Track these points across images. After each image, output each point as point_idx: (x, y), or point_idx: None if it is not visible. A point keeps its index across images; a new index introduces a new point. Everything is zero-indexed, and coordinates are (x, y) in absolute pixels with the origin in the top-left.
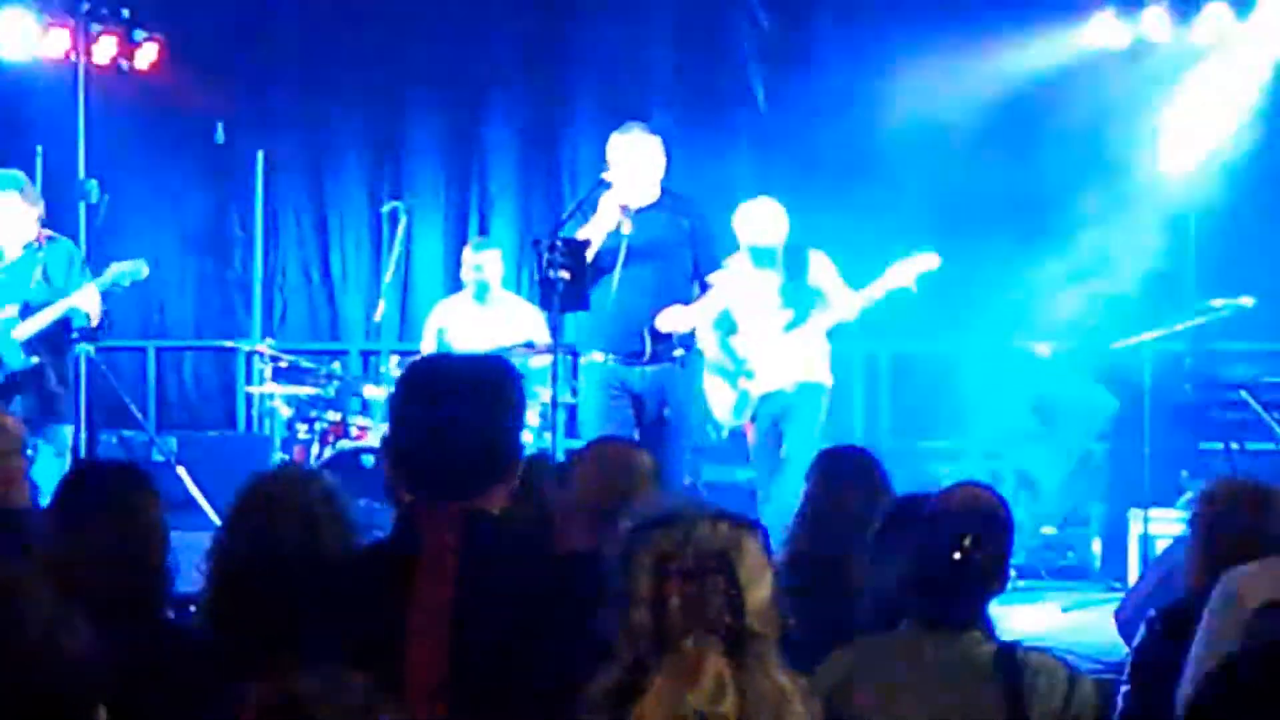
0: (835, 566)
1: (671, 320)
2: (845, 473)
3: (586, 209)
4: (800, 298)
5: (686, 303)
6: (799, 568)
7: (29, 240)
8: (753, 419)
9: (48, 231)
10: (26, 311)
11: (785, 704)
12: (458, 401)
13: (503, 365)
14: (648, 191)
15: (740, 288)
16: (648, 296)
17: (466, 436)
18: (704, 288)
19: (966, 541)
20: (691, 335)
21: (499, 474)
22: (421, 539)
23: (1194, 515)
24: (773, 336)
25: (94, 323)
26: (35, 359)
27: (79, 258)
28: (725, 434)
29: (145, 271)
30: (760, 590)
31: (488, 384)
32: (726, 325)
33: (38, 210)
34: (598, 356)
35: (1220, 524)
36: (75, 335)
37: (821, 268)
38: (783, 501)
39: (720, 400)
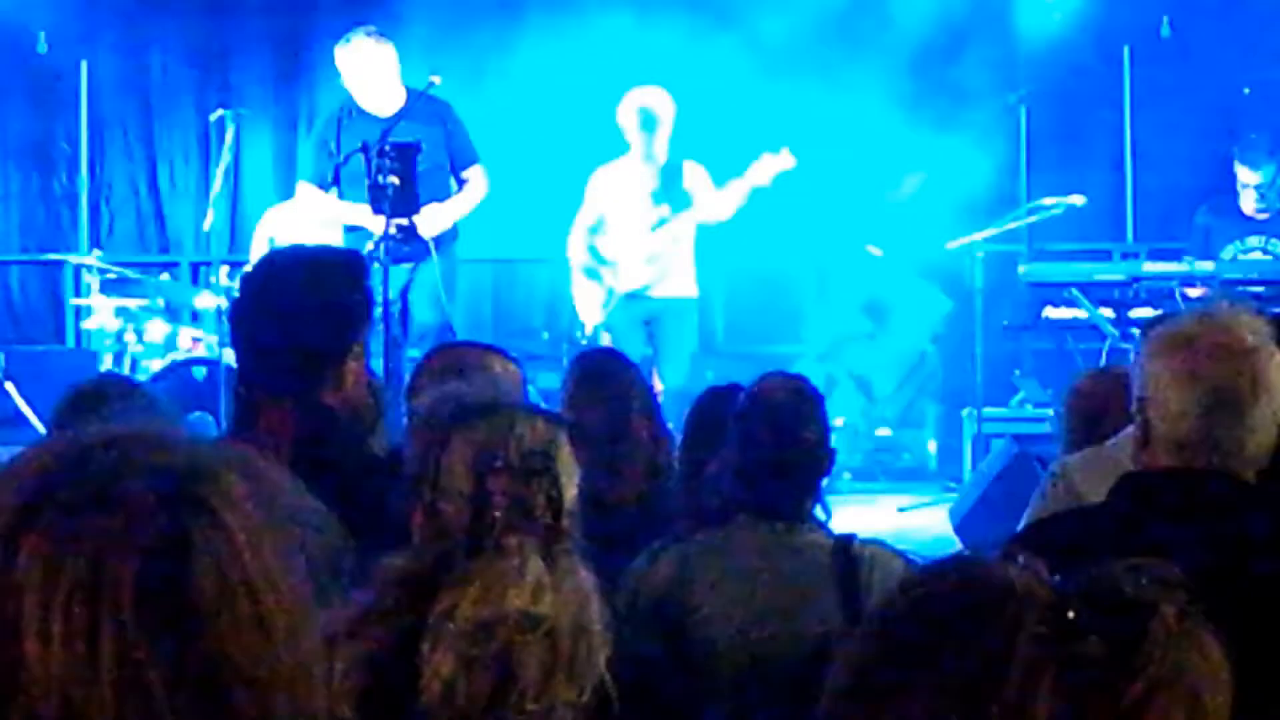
0: None
1: (432, 220)
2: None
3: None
4: (670, 199)
5: (442, 200)
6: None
7: None
8: (614, 319)
9: None
10: None
11: (588, 603)
12: (292, 293)
13: (346, 258)
14: (392, 98)
15: (612, 189)
16: None
17: (298, 327)
18: (461, 184)
19: (783, 426)
20: (451, 231)
21: (332, 365)
22: (257, 431)
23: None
24: (639, 236)
25: None
26: None
27: None
28: (590, 334)
29: None
30: (571, 490)
31: (324, 276)
32: (596, 227)
33: None
34: None
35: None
36: None
37: (694, 174)
38: None
39: (587, 300)
